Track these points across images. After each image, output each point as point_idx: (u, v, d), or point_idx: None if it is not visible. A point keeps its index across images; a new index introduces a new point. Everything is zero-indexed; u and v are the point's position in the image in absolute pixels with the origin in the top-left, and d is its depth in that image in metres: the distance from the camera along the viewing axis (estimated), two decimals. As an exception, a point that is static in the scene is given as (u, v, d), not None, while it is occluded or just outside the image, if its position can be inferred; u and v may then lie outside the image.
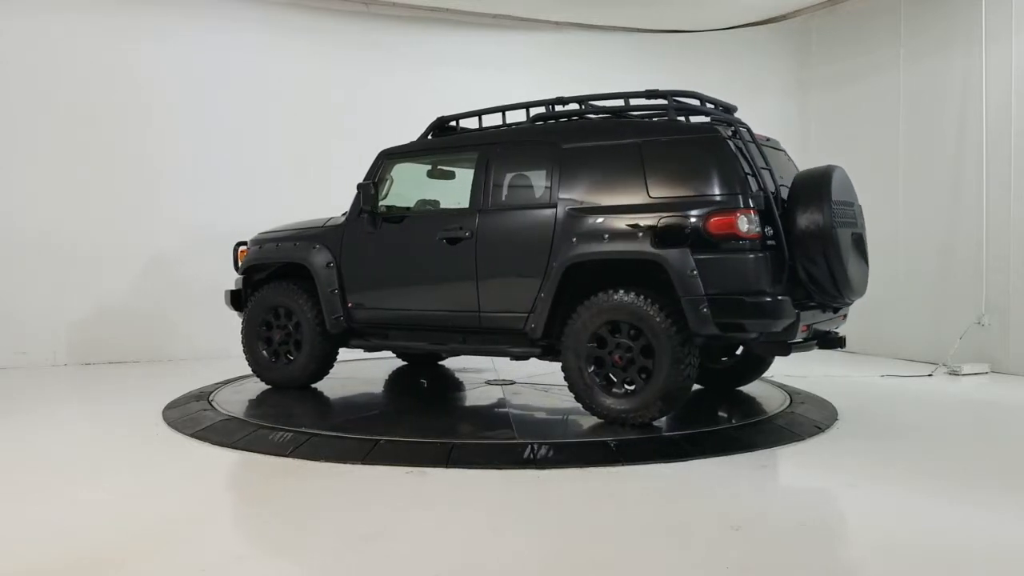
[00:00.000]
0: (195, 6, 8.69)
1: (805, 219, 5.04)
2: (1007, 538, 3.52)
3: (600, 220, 5.20)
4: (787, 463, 4.70)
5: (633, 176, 5.19)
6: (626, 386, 5.14)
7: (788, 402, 5.95)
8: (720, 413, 5.77)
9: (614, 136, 5.39)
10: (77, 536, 3.51)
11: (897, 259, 8.77)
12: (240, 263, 6.67)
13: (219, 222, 8.31)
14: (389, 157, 6.14)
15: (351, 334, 6.14)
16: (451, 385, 6.89)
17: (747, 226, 4.86)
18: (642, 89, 5.59)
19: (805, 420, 5.53)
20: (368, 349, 6.23)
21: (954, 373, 7.62)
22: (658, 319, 4.96)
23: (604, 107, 5.70)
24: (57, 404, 6.32)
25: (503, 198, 5.65)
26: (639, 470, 4.46)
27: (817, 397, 6.28)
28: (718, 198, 4.95)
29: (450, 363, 7.64)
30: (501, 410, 5.87)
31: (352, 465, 4.52)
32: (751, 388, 6.37)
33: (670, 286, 4.98)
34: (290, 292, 6.25)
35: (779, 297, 4.92)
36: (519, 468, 4.46)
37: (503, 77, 9.54)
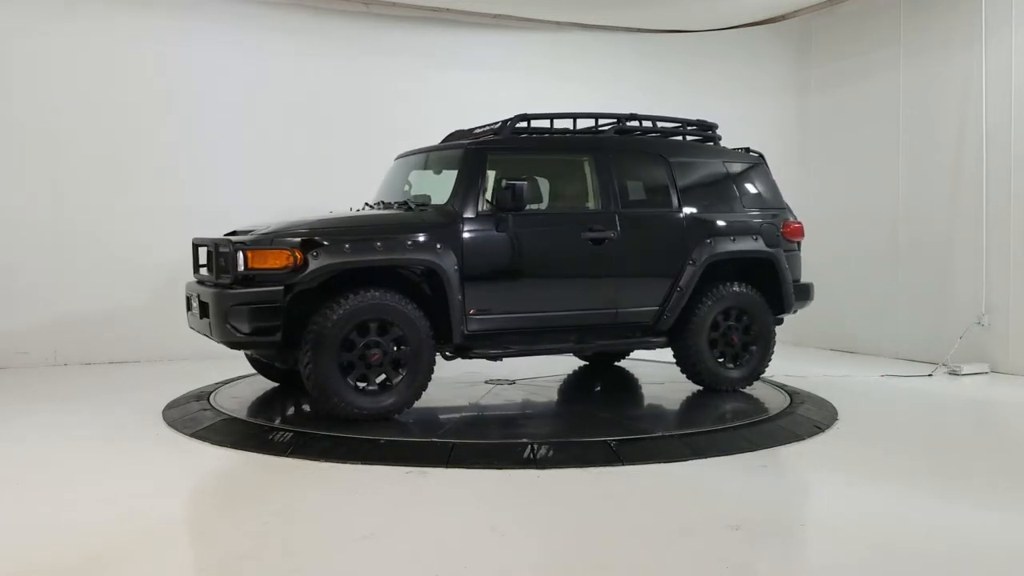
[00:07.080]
0: (194, 6, 8.68)
1: None
2: (1006, 538, 3.52)
3: (725, 224, 6.22)
4: (787, 463, 4.70)
5: (729, 189, 6.39)
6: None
7: (788, 402, 5.96)
8: (720, 413, 5.77)
9: (705, 155, 6.48)
10: (77, 536, 3.50)
11: (897, 259, 8.77)
12: (281, 266, 5.03)
13: (220, 222, 8.26)
14: (487, 151, 5.78)
15: (470, 343, 5.60)
16: (450, 386, 6.88)
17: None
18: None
19: (805, 420, 5.54)
20: (490, 358, 5.74)
21: (954, 373, 7.62)
22: (764, 305, 6.27)
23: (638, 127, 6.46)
24: (57, 404, 6.31)
25: (633, 201, 6.09)
26: (639, 470, 4.46)
27: (817, 397, 6.29)
28: (784, 210, 6.56)
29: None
30: (501, 410, 5.88)
31: (352, 465, 4.52)
32: (751, 388, 6.37)
33: (756, 278, 6.28)
34: (392, 302, 5.25)
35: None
36: (519, 468, 4.47)
37: (503, 77, 9.54)
